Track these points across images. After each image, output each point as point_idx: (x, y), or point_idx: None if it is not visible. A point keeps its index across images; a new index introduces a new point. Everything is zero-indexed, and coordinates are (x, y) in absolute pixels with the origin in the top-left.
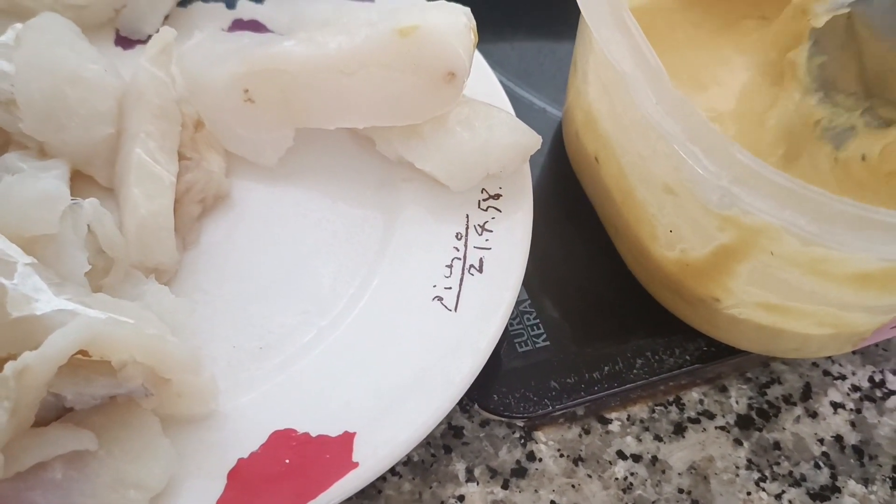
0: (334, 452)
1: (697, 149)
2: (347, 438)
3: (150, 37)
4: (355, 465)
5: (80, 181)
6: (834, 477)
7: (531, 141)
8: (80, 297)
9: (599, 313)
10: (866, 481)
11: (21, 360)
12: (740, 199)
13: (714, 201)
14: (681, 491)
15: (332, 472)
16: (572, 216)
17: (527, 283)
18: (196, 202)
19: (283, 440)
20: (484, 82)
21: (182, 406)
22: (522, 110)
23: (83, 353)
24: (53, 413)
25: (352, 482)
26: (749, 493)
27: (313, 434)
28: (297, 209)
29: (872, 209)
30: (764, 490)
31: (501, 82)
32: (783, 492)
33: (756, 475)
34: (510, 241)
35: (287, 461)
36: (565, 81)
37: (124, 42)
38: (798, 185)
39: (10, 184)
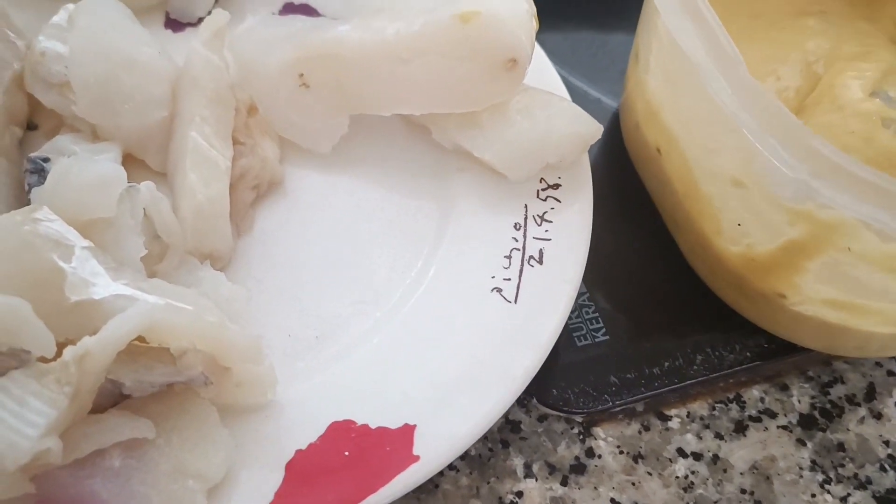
0: (395, 445)
1: (775, 140)
2: (408, 431)
3: (200, 20)
4: (416, 458)
5: (132, 165)
6: None
7: (592, 130)
8: (137, 283)
9: (658, 308)
10: None
11: (81, 345)
12: (819, 192)
13: (788, 195)
14: (743, 491)
15: (393, 465)
16: (629, 208)
17: (585, 276)
18: (250, 188)
19: (342, 431)
20: (541, 71)
21: (240, 396)
22: (577, 100)
23: (141, 339)
24: (110, 400)
25: (413, 476)
26: (813, 495)
27: (373, 426)
28: (351, 198)
29: None
30: (828, 492)
31: None
32: (848, 494)
33: (820, 476)
34: (570, 232)
35: (346, 453)
36: (620, 72)
37: (174, 25)
38: (882, 179)
39: (66, 166)
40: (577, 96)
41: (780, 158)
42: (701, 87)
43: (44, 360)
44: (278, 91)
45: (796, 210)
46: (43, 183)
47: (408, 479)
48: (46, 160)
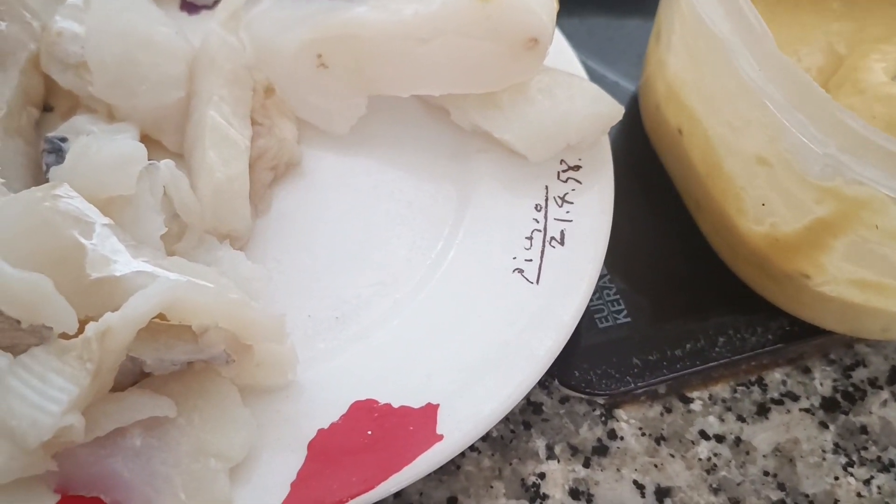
0: (418, 424)
1: (802, 115)
2: (431, 410)
3: (215, 2)
4: (440, 437)
5: (148, 146)
6: None
7: (613, 110)
8: (157, 260)
9: (680, 290)
10: None
11: (103, 322)
12: (848, 168)
13: (815, 172)
14: (766, 473)
15: (417, 444)
16: (649, 191)
17: (605, 258)
18: (268, 169)
19: (364, 411)
20: (559, 53)
21: (260, 376)
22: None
23: (161, 317)
24: (130, 379)
25: (437, 455)
26: (836, 478)
27: (395, 405)
28: (369, 179)
29: None
30: (852, 475)
31: None
32: (871, 477)
33: (843, 459)
34: (592, 213)
35: (369, 432)
36: (637, 55)
37: (189, 7)
38: None
39: (86, 144)
40: (595, 80)
41: (807, 134)
42: (727, 63)
43: (64, 336)
44: (296, 72)
45: (823, 187)
46: (61, 162)
47: (431, 458)
48: (64, 140)
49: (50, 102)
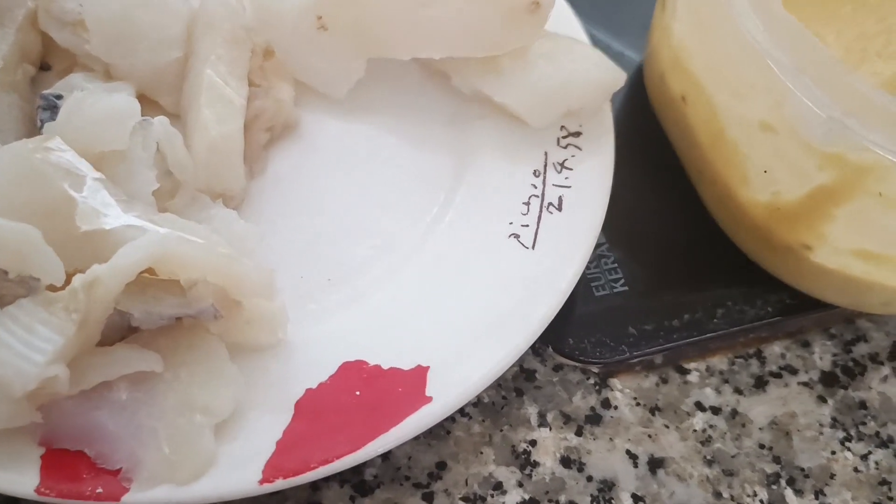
0: (407, 386)
1: (808, 78)
2: (420, 372)
3: None
4: (428, 399)
5: (145, 106)
6: None
7: (615, 77)
8: (148, 216)
9: (679, 260)
10: None
11: (91, 272)
12: (853, 132)
13: (819, 137)
14: (762, 446)
15: (405, 405)
16: (651, 162)
17: (604, 226)
18: (264, 130)
19: (353, 372)
20: (563, 20)
21: (249, 334)
22: None
23: (150, 271)
24: (118, 334)
25: (425, 417)
26: (833, 453)
27: (385, 366)
28: (367, 143)
29: None
30: (849, 450)
31: None
32: (869, 452)
33: (841, 434)
34: (591, 180)
35: (357, 393)
36: (643, 26)
37: None
38: None
39: (80, 98)
40: (600, 49)
41: (812, 97)
42: (733, 26)
43: (52, 289)
44: (296, 34)
45: (827, 153)
46: (55, 119)
47: (419, 420)
48: (59, 97)
49: (48, 61)
